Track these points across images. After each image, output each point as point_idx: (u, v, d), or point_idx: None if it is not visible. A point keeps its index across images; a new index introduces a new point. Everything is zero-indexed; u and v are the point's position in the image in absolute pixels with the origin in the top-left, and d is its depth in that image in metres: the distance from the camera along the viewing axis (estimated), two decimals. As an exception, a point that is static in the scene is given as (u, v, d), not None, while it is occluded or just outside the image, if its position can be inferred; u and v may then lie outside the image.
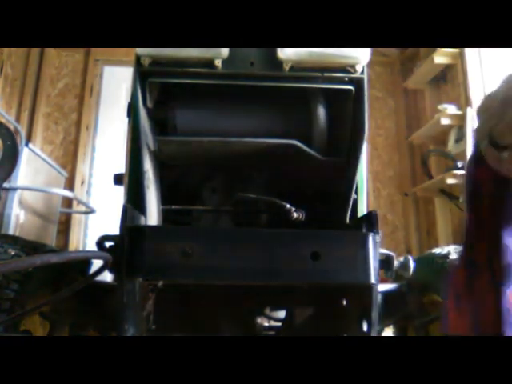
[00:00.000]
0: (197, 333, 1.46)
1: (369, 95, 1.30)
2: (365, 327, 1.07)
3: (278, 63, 1.21)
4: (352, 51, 1.21)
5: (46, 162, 3.37)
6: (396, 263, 1.04)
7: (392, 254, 1.04)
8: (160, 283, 1.12)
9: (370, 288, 1.02)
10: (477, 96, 3.04)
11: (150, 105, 1.33)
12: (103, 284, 1.31)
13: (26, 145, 3.09)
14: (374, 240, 1.00)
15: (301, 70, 1.24)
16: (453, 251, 1.14)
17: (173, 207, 1.45)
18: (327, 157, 1.33)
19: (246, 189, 1.49)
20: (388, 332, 1.45)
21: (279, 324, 1.71)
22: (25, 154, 3.01)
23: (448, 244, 1.39)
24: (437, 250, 1.21)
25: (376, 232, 1.03)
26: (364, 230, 1.09)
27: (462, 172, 2.90)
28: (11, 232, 2.89)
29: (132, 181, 1.31)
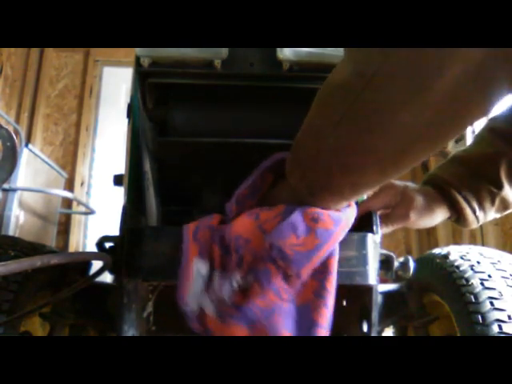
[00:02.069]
0: (197, 333, 1.45)
1: (368, 95, 1.30)
2: (365, 327, 1.07)
3: (277, 63, 1.21)
4: (352, 51, 1.21)
5: (46, 162, 3.38)
6: (396, 263, 1.04)
7: (392, 254, 1.04)
8: (160, 284, 1.12)
9: (369, 288, 1.02)
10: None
11: (149, 106, 1.32)
12: (103, 285, 1.31)
13: (26, 146, 3.10)
14: (373, 240, 1.00)
15: (301, 70, 1.24)
16: (453, 251, 1.14)
17: (173, 208, 1.45)
18: None
19: (245, 189, 1.49)
20: (388, 332, 1.45)
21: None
22: (24, 155, 3.01)
23: (448, 244, 1.39)
24: (437, 250, 1.20)
25: (376, 232, 1.03)
26: (364, 231, 1.08)
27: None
28: (11, 233, 2.89)
29: (132, 182, 1.31)
